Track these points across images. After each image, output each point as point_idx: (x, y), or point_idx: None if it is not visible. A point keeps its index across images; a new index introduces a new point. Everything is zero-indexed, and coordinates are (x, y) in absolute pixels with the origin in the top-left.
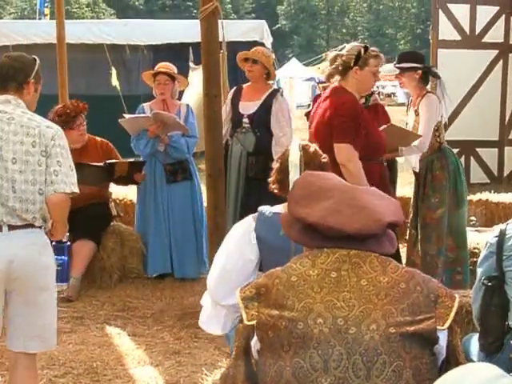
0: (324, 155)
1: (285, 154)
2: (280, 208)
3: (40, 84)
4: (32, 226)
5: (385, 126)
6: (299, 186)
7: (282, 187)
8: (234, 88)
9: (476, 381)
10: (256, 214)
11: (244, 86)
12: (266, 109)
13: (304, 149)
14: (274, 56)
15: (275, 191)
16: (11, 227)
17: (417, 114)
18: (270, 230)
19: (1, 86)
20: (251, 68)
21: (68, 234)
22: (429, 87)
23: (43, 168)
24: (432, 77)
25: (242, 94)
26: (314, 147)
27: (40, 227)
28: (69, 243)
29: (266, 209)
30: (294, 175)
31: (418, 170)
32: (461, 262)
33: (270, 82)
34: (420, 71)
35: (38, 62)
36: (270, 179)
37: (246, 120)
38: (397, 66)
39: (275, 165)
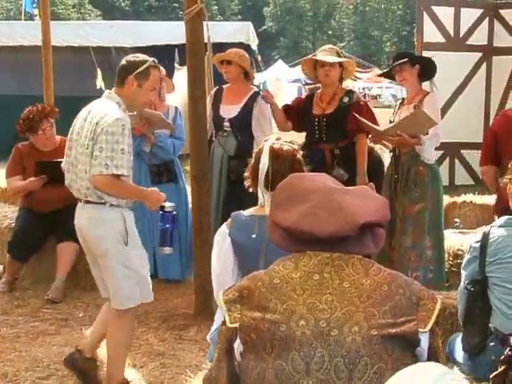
0: (295, 150)
1: (260, 149)
2: (252, 211)
3: (146, 80)
4: (91, 202)
5: (412, 111)
6: (281, 188)
7: (255, 184)
8: (215, 90)
9: (424, 379)
10: (229, 220)
11: (224, 87)
12: (247, 112)
13: (274, 146)
14: (248, 56)
15: (250, 188)
16: (85, 202)
17: (417, 108)
18: (242, 232)
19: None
20: (226, 69)
21: None
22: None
23: (88, 151)
24: (428, 72)
25: (223, 97)
26: (286, 144)
27: (102, 203)
28: (174, 213)
29: (239, 213)
30: (262, 172)
31: (432, 162)
32: (434, 260)
33: (254, 83)
34: (418, 66)
35: (148, 62)
36: (245, 174)
37: (227, 124)
38: (396, 63)
39: (251, 160)
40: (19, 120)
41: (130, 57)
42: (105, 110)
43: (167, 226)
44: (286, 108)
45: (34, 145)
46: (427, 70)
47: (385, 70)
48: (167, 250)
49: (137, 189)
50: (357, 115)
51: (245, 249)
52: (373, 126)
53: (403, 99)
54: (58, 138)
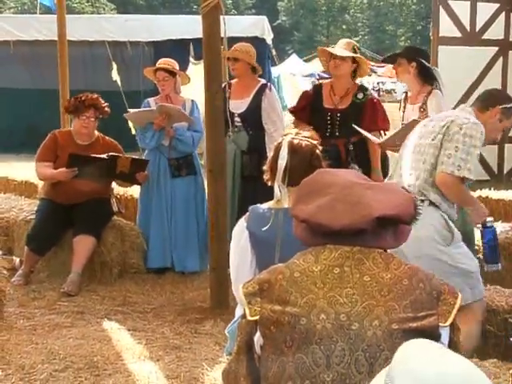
0: (314, 146)
1: (279, 143)
2: (271, 204)
3: (507, 119)
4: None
5: (411, 120)
6: (304, 184)
7: (273, 177)
8: (223, 85)
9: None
10: (247, 213)
11: (232, 82)
12: (256, 106)
13: (293, 141)
14: (254, 50)
15: (269, 182)
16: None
17: (422, 110)
18: (258, 224)
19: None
20: (234, 66)
21: None
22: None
23: (435, 142)
24: (426, 76)
25: (232, 92)
26: (306, 139)
27: (422, 200)
28: (493, 228)
29: (257, 206)
30: (281, 167)
31: None
32: None
33: (269, 77)
34: (414, 64)
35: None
36: (264, 167)
37: (237, 119)
38: (390, 54)
39: (270, 153)
40: (71, 97)
41: (503, 90)
42: (464, 114)
43: (494, 241)
44: (295, 109)
45: (72, 134)
46: (425, 71)
47: (386, 56)
48: (493, 267)
49: (473, 199)
50: (357, 127)
51: (262, 241)
52: (372, 137)
53: (406, 94)
54: (96, 133)
